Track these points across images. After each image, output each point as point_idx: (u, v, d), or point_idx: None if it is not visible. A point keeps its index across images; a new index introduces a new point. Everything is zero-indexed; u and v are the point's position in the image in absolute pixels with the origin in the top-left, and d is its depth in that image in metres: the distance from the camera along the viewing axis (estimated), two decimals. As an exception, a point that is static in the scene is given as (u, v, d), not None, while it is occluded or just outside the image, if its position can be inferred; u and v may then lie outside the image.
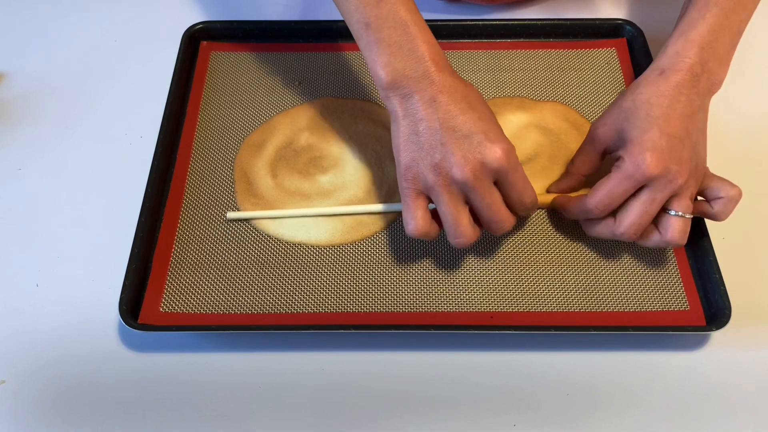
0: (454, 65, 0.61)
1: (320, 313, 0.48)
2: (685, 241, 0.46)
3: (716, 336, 0.48)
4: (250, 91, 0.61)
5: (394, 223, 0.53)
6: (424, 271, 0.50)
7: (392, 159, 0.56)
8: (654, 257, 0.50)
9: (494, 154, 0.44)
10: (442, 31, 0.63)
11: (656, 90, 0.46)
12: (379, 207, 0.52)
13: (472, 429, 0.44)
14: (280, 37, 0.64)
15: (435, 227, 0.47)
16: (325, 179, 0.55)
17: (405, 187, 0.46)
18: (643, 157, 0.44)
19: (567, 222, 0.52)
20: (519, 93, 0.60)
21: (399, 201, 0.54)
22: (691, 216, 0.46)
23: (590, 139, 0.50)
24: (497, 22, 0.63)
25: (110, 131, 0.59)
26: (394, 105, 0.46)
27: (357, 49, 0.63)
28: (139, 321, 0.47)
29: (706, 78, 0.47)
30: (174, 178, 0.55)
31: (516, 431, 0.44)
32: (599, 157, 0.50)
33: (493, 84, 0.61)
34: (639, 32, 0.62)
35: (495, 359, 0.47)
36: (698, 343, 0.48)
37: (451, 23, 0.63)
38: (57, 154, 0.58)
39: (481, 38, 0.64)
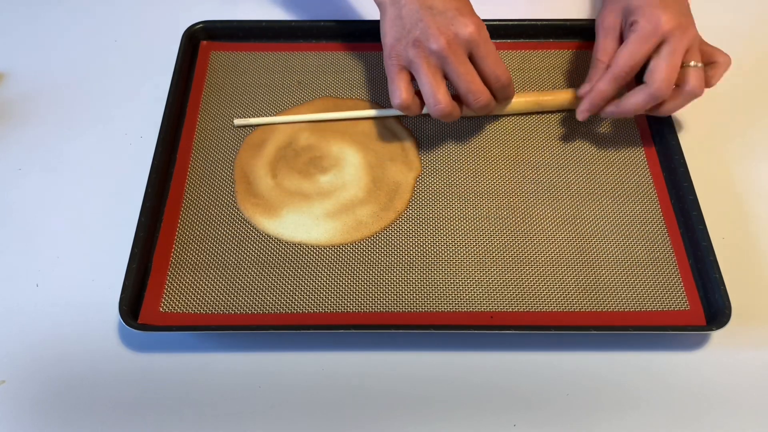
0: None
1: (320, 313, 0.48)
2: (702, 92, 0.50)
3: (716, 336, 0.48)
4: (250, 91, 0.61)
5: (394, 223, 0.53)
6: (424, 271, 0.50)
7: (392, 159, 0.56)
8: (654, 257, 0.50)
9: (466, 26, 0.49)
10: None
11: None
12: (373, 112, 0.58)
13: (472, 429, 0.44)
14: (280, 37, 0.64)
15: (417, 101, 0.52)
16: (325, 179, 0.55)
17: (389, 64, 0.51)
18: (657, 14, 0.49)
19: (566, 222, 0.52)
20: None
21: (405, 198, 0.54)
22: (702, 66, 0.50)
23: (602, 30, 0.54)
24: (497, 23, 0.63)
25: (110, 131, 0.59)
26: (385, 3, 0.52)
27: (357, 49, 0.63)
28: (139, 321, 0.47)
29: None
30: (174, 178, 0.55)
31: (516, 431, 0.44)
32: (617, 42, 0.53)
33: (493, 84, 0.61)
34: (639, 32, 0.62)
35: (495, 359, 0.47)
36: (698, 343, 0.48)
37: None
38: (57, 154, 0.58)
39: (481, 38, 0.63)
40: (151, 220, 0.51)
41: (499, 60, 0.51)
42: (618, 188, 0.54)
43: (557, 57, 0.63)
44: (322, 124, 0.58)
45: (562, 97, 0.57)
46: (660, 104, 0.51)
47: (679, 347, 0.47)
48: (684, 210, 0.52)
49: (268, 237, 0.52)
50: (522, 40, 0.64)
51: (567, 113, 0.59)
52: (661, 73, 0.49)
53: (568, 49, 0.63)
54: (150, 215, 0.51)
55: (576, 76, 0.61)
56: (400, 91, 0.51)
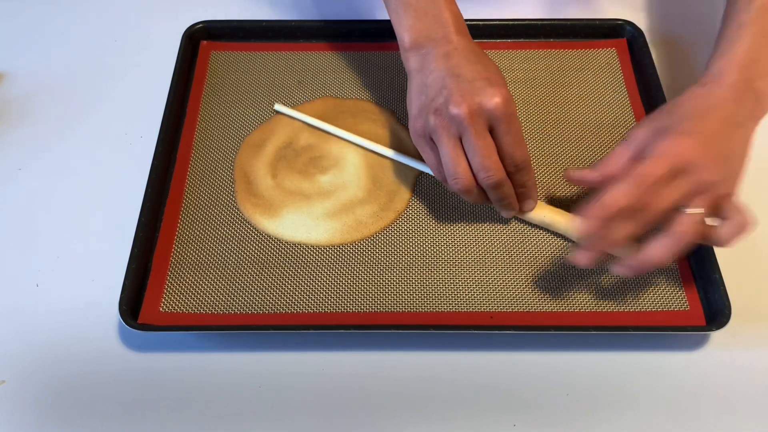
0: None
1: (320, 313, 0.48)
2: (685, 240, 0.43)
3: (716, 336, 0.48)
4: (250, 91, 0.61)
5: (393, 223, 0.53)
6: (424, 271, 0.50)
7: (392, 159, 0.56)
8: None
9: (492, 97, 0.45)
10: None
11: (697, 98, 0.46)
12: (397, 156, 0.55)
13: (472, 429, 0.44)
14: (280, 37, 0.64)
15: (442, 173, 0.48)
16: (325, 179, 0.55)
17: (414, 138, 0.49)
18: (680, 140, 0.43)
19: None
20: (519, 93, 0.60)
21: (405, 198, 0.54)
22: (702, 215, 0.43)
23: (628, 138, 0.46)
24: (497, 22, 0.63)
25: (110, 131, 0.59)
26: (411, 64, 0.49)
27: (357, 49, 0.63)
28: (139, 321, 0.47)
29: (752, 97, 0.45)
30: (174, 178, 0.55)
31: (516, 431, 0.44)
32: (629, 157, 0.45)
33: (493, 84, 0.61)
34: (639, 32, 0.62)
35: (495, 359, 0.47)
36: (698, 343, 0.48)
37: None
38: (57, 154, 0.58)
39: (481, 38, 0.63)
40: (151, 220, 0.51)
41: (521, 140, 0.46)
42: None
43: (558, 57, 0.63)
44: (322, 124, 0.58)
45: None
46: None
47: (678, 347, 0.47)
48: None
49: (268, 237, 0.52)
50: (522, 40, 0.64)
51: (567, 115, 0.59)
52: (653, 201, 0.42)
53: (569, 49, 0.63)
54: (150, 215, 0.51)
55: (577, 75, 0.61)
56: (434, 166, 0.48)
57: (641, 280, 0.49)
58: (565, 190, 0.54)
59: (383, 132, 0.58)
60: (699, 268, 0.49)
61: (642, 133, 0.45)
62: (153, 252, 0.51)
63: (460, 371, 0.47)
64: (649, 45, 0.61)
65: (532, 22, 0.63)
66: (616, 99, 0.59)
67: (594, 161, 0.56)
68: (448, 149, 0.46)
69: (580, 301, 0.48)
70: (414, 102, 0.48)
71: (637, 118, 0.58)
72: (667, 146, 0.43)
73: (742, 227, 0.44)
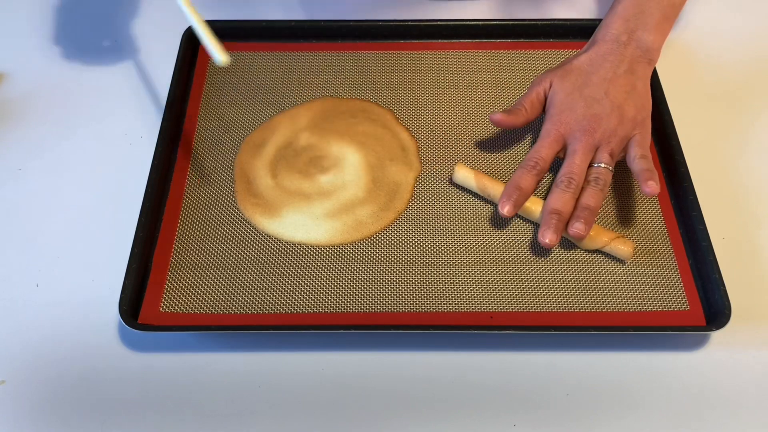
0: (454, 65, 0.62)
1: (320, 313, 0.48)
2: (602, 190, 0.49)
3: (716, 336, 0.48)
4: (250, 91, 0.61)
5: (394, 223, 0.53)
6: (424, 271, 0.50)
7: (392, 159, 0.56)
8: (654, 257, 0.50)
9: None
10: (443, 32, 0.63)
11: (586, 58, 0.54)
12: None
13: (472, 429, 0.44)
14: (281, 37, 0.64)
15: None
16: (325, 179, 0.55)
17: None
18: (559, 116, 0.52)
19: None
20: (519, 93, 0.60)
21: (405, 198, 0.54)
22: (611, 168, 0.50)
23: (533, 85, 0.55)
24: (497, 22, 0.63)
25: (110, 131, 0.59)
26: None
27: (357, 49, 0.63)
28: (139, 321, 0.47)
29: (634, 45, 0.53)
30: (174, 178, 0.55)
31: (516, 431, 0.44)
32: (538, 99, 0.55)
33: (493, 84, 0.61)
34: (639, 32, 0.62)
35: (495, 359, 0.47)
36: (698, 343, 0.48)
37: (451, 23, 0.63)
38: (57, 154, 0.58)
39: (481, 38, 0.64)
40: (151, 220, 0.51)
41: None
42: (617, 188, 0.54)
43: (558, 57, 0.63)
44: (323, 123, 0.58)
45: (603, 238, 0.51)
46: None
47: (678, 347, 0.47)
48: (684, 210, 0.52)
49: (268, 237, 0.52)
50: (522, 40, 0.64)
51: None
52: (561, 170, 0.51)
53: (570, 50, 0.63)
54: (150, 215, 0.51)
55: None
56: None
57: (641, 280, 0.49)
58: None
59: (383, 132, 0.58)
60: (699, 268, 0.49)
61: (538, 81, 0.55)
62: (153, 252, 0.51)
63: (460, 371, 0.47)
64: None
65: (533, 23, 0.63)
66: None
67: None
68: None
69: (580, 301, 0.48)
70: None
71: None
72: (550, 124, 0.52)
73: (644, 166, 0.50)
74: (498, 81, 0.61)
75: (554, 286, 0.49)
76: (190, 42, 0.63)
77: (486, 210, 0.53)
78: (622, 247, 0.49)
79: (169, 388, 0.46)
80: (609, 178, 0.50)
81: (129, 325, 0.46)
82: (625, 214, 0.53)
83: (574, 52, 0.63)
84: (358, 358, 0.47)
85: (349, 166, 0.56)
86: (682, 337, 0.48)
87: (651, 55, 0.53)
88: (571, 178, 0.50)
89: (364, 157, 0.56)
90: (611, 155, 0.51)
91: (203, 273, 0.50)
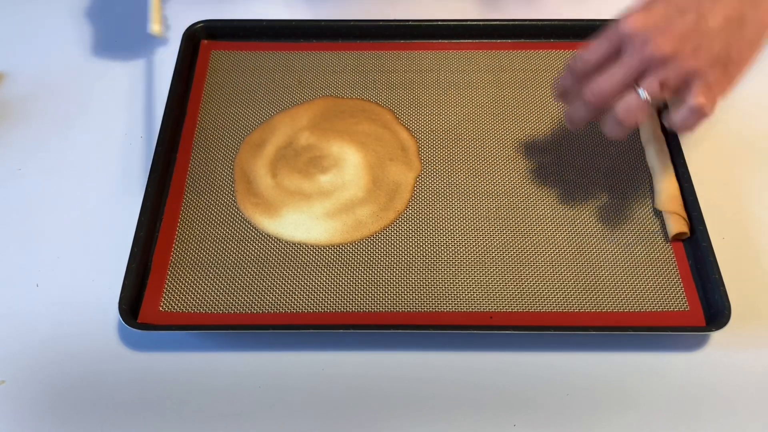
0: (454, 65, 0.62)
1: (320, 313, 0.48)
2: (628, 123, 0.42)
3: (716, 336, 0.48)
4: (250, 91, 0.61)
5: (393, 223, 0.52)
6: (424, 271, 0.50)
7: (392, 159, 0.56)
8: (653, 257, 0.50)
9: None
10: (443, 31, 0.63)
11: None
12: None
13: (472, 429, 0.44)
14: (281, 36, 0.64)
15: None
16: (325, 179, 0.55)
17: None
18: (628, 13, 0.41)
19: (566, 222, 0.52)
20: (519, 93, 0.60)
21: (405, 198, 0.53)
22: (647, 98, 0.41)
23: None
24: (498, 23, 0.63)
25: (110, 131, 0.59)
26: None
27: (357, 48, 0.63)
28: (139, 320, 0.47)
29: None
30: (174, 178, 0.55)
31: (516, 431, 0.44)
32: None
33: (493, 84, 0.61)
34: (639, 32, 0.62)
35: (495, 359, 0.47)
36: (698, 344, 0.48)
37: (451, 23, 0.63)
38: (57, 154, 0.58)
39: (481, 38, 0.63)
40: (151, 220, 0.51)
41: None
42: (617, 188, 0.54)
43: (559, 58, 0.63)
44: (323, 123, 0.58)
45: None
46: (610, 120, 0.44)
47: (678, 348, 0.47)
48: (684, 210, 0.52)
49: (268, 236, 0.52)
50: (523, 41, 0.64)
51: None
52: (597, 78, 0.42)
53: (571, 50, 0.63)
54: (150, 215, 0.51)
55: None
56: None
57: (641, 281, 0.49)
58: (567, 191, 0.54)
59: (383, 132, 0.58)
60: (699, 269, 0.49)
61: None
62: (153, 251, 0.51)
63: (460, 371, 0.47)
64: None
65: (533, 23, 0.63)
66: (617, 99, 0.59)
67: (596, 161, 0.56)
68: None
69: (580, 302, 0.48)
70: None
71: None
72: (618, 24, 0.41)
73: (693, 112, 0.41)
74: (498, 81, 0.61)
75: (554, 287, 0.49)
76: (190, 42, 0.63)
77: (486, 210, 0.53)
78: (673, 224, 0.50)
79: (168, 387, 0.46)
80: (642, 113, 0.41)
81: (129, 325, 0.46)
82: (624, 214, 0.53)
83: (575, 52, 0.63)
84: (357, 358, 0.47)
85: (349, 165, 0.56)
86: (682, 337, 0.48)
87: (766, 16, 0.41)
88: (595, 92, 0.41)
89: (364, 157, 0.56)
90: (662, 86, 0.40)
91: (203, 272, 0.50)
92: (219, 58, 0.63)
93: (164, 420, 0.45)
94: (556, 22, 0.63)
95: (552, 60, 0.62)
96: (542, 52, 0.63)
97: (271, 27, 0.64)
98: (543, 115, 0.59)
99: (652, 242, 0.51)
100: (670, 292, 0.49)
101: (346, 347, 0.48)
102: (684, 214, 0.50)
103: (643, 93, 0.41)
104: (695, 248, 0.50)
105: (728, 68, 0.41)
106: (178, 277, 0.50)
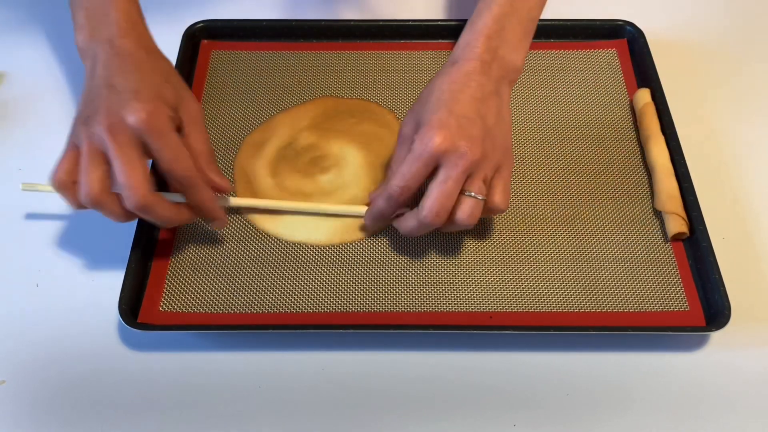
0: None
1: (319, 313, 0.48)
2: (472, 223, 0.46)
3: (716, 336, 0.48)
4: (250, 90, 0.61)
5: (394, 223, 0.53)
6: (424, 271, 0.50)
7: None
8: (653, 257, 0.50)
9: (134, 112, 0.43)
10: (443, 31, 0.63)
11: (449, 78, 0.48)
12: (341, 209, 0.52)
13: (472, 429, 0.44)
14: (281, 36, 0.64)
15: (75, 178, 0.45)
16: (325, 179, 0.55)
17: (68, 140, 0.45)
18: (430, 134, 0.44)
19: (566, 222, 0.52)
20: (519, 93, 0.60)
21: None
22: (483, 198, 0.46)
23: (399, 138, 0.49)
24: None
25: (110, 131, 0.59)
26: (86, 68, 0.48)
27: (357, 48, 0.63)
28: (139, 320, 0.47)
29: (498, 65, 0.49)
30: (174, 177, 0.55)
31: (516, 431, 0.44)
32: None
33: (494, 84, 0.61)
34: (639, 33, 0.62)
35: (495, 359, 0.47)
36: (698, 344, 0.48)
37: (452, 23, 0.63)
38: (57, 154, 0.57)
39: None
40: (151, 220, 0.51)
41: (176, 153, 0.44)
42: (617, 188, 0.54)
43: (558, 57, 0.63)
44: (324, 123, 0.58)
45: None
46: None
47: (678, 348, 0.47)
48: (684, 210, 0.52)
49: (268, 236, 0.52)
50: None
51: (567, 116, 0.59)
52: (429, 200, 0.45)
53: (569, 50, 0.63)
54: (150, 215, 0.51)
55: (577, 76, 0.61)
56: (56, 169, 0.45)
57: (641, 281, 0.49)
58: (566, 192, 0.54)
59: (384, 132, 0.58)
60: (699, 269, 0.49)
61: (408, 126, 0.48)
62: (153, 251, 0.51)
63: (460, 371, 0.47)
64: (650, 46, 0.61)
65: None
66: (616, 100, 0.60)
67: (593, 161, 0.56)
68: (85, 156, 0.43)
69: (580, 302, 0.48)
70: (78, 107, 0.46)
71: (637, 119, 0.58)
72: (420, 144, 0.45)
73: (506, 192, 0.47)
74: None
75: (553, 287, 0.49)
76: (190, 41, 0.63)
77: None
78: (673, 224, 0.50)
79: (168, 387, 0.46)
80: (480, 211, 0.46)
81: (128, 325, 0.46)
82: (624, 214, 0.53)
83: (575, 52, 0.63)
84: (357, 358, 0.47)
85: (349, 165, 0.56)
86: (682, 337, 0.48)
87: (513, 74, 0.50)
88: (439, 212, 0.45)
89: (364, 157, 0.56)
90: (485, 183, 0.46)
91: (203, 272, 0.50)
92: (219, 58, 0.63)
93: (163, 419, 0.45)
94: (556, 23, 0.63)
95: (552, 60, 0.62)
96: (542, 53, 0.63)
97: (272, 27, 0.64)
98: (543, 115, 0.59)
99: (651, 242, 0.51)
100: (669, 292, 0.49)
101: (346, 347, 0.48)
102: (683, 214, 0.50)
103: (477, 195, 0.45)
104: (695, 248, 0.50)
105: (508, 153, 0.48)
106: (178, 277, 0.50)
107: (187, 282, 0.50)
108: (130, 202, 0.43)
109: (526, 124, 0.58)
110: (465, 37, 0.49)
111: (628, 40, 0.63)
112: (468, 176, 0.45)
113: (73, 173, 0.44)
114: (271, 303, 0.49)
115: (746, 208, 0.54)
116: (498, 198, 0.47)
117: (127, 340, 0.48)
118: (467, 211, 0.45)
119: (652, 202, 0.53)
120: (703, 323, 0.47)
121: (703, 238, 0.49)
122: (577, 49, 0.63)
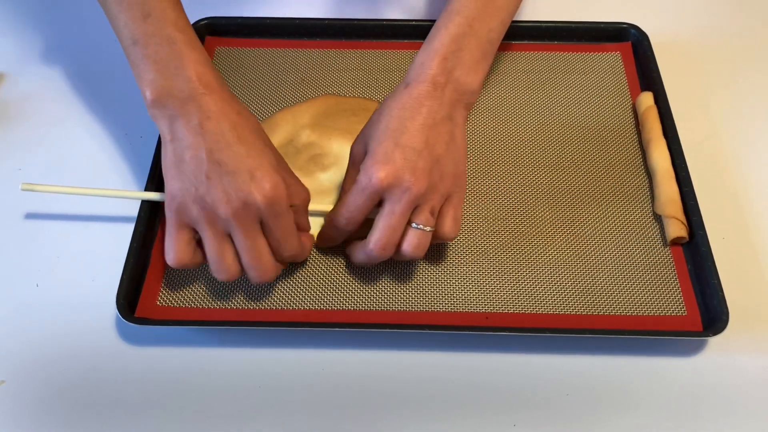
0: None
1: (318, 311, 0.48)
2: (421, 255, 0.46)
3: (713, 341, 0.48)
4: (252, 87, 0.61)
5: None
6: (421, 270, 0.50)
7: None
8: (652, 261, 0.50)
9: (258, 194, 0.42)
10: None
11: (399, 102, 0.46)
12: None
13: (472, 429, 0.44)
14: (285, 34, 0.64)
15: (198, 257, 0.46)
16: (325, 177, 0.54)
17: (169, 216, 0.44)
18: (374, 168, 0.44)
19: (564, 224, 0.52)
20: (522, 95, 0.60)
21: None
22: (431, 229, 0.45)
23: (350, 157, 0.49)
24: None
25: (110, 131, 0.59)
26: (162, 127, 0.45)
27: (360, 47, 0.63)
28: (136, 314, 0.47)
29: (452, 87, 0.47)
30: (174, 177, 0.55)
31: (516, 431, 0.44)
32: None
33: (496, 86, 0.60)
34: (644, 36, 0.62)
35: (494, 360, 0.47)
36: (695, 349, 0.48)
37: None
38: (57, 154, 0.58)
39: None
40: (149, 216, 0.51)
41: (289, 234, 0.45)
42: (617, 191, 0.54)
43: (561, 60, 0.62)
44: (324, 121, 0.58)
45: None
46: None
47: (676, 352, 0.47)
48: (684, 214, 0.51)
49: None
50: (525, 42, 0.63)
51: (570, 118, 0.59)
52: (375, 233, 0.45)
53: (573, 52, 0.63)
54: (149, 211, 0.51)
55: (581, 79, 0.61)
56: (175, 253, 0.44)
57: (639, 285, 0.49)
58: (566, 194, 0.54)
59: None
60: (697, 274, 0.49)
61: (358, 148, 0.48)
62: (151, 247, 0.51)
63: (460, 371, 0.47)
64: (654, 49, 0.61)
65: (536, 24, 0.63)
66: (620, 103, 0.59)
67: (594, 163, 0.56)
68: (213, 243, 0.44)
69: (578, 304, 0.48)
70: (169, 176, 0.44)
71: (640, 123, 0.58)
72: (364, 177, 0.45)
73: (458, 220, 0.47)
74: (501, 83, 0.61)
75: (551, 289, 0.49)
76: (191, 40, 0.62)
77: (483, 210, 0.53)
78: (672, 228, 0.50)
79: (166, 382, 0.46)
80: (428, 242, 0.46)
81: (126, 319, 0.46)
82: (623, 217, 0.53)
83: (578, 55, 0.63)
84: (357, 357, 0.47)
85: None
86: (680, 342, 0.48)
87: (470, 97, 0.48)
88: (385, 246, 0.45)
89: (364, 157, 0.56)
90: (432, 214, 0.45)
91: (201, 268, 0.50)
92: (222, 55, 0.63)
93: (162, 414, 0.45)
94: (560, 25, 0.63)
95: (556, 63, 0.62)
96: (546, 54, 0.63)
97: (275, 24, 0.64)
98: (545, 118, 0.58)
99: (650, 246, 0.51)
100: (668, 296, 0.49)
101: (344, 345, 0.48)
102: (683, 218, 0.50)
103: (424, 227, 0.45)
104: (694, 253, 0.50)
105: (459, 180, 0.47)
106: (176, 272, 0.50)
107: (186, 277, 0.50)
108: (256, 280, 0.45)
109: (529, 125, 0.58)
110: (420, 56, 0.47)
111: (632, 44, 0.63)
112: (415, 208, 0.45)
113: (188, 251, 0.45)
114: (270, 300, 0.49)
115: (747, 211, 0.54)
116: (447, 228, 0.46)
117: (125, 335, 0.48)
118: (414, 243, 0.45)
119: (653, 205, 0.53)
120: (700, 328, 0.47)
121: (703, 243, 0.49)
122: (581, 52, 0.63)
